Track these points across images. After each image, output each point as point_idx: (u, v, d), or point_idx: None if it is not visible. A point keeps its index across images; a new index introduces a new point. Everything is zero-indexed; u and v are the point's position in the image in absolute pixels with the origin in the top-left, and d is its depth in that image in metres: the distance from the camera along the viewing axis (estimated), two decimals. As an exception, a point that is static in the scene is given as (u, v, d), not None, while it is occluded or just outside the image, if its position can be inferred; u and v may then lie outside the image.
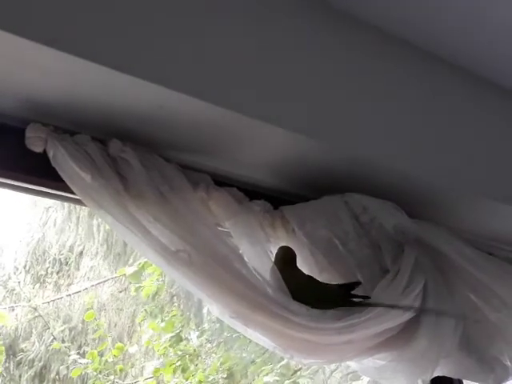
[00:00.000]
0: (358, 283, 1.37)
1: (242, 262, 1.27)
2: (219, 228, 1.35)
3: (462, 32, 1.48)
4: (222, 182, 1.38)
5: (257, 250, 1.33)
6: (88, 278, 5.31)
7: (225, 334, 4.79)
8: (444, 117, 1.57)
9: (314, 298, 1.31)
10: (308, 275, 1.37)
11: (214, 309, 1.29)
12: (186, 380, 4.64)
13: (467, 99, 1.63)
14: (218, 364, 4.72)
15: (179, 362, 4.64)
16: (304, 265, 1.41)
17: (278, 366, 4.64)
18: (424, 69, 1.56)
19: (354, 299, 1.34)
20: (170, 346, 4.68)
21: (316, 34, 1.39)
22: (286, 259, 1.35)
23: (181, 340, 4.74)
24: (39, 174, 1.22)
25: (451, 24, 1.46)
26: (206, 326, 4.99)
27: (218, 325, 4.83)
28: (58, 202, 5.30)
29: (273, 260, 1.35)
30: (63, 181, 1.18)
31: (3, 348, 4.50)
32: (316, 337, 1.31)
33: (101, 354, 4.64)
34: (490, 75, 1.63)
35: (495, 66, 1.59)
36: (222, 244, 1.26)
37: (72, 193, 1.20)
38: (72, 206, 5.32)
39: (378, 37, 1.47)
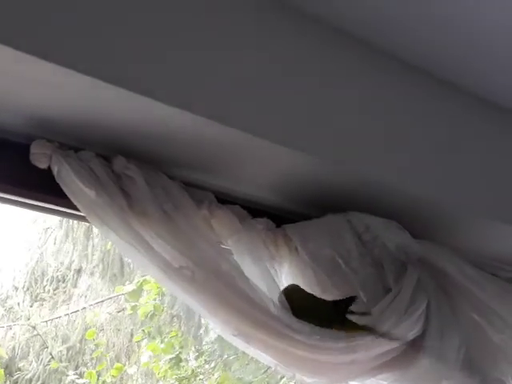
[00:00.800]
0: (353, 298, 1.37)
1: (244, 280, 1.27)
2: (222, 246, 1.35)
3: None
4: (224, 199, 1.38)
5: (259, 268, 1.33)
6: (85, 296, 5.29)
7: (223, 354, 4.76)
8: (445, 136, 1.57)
9: (315, 317, 1.31)
10: (311, 294, 1.37)
11: (215, 326, 1.28)
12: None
13: (468, 118, 1.64)
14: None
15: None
16: (306, 283, 1.40)
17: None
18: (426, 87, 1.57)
19: (352, 316, 1.33)
20: (169, 368, 4.65)
21: (317, 52, 1.40)
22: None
23: (180, 361, 4.71)
24: (43, 190, 1.22)
25: (450, 42, 1.47)
26: (204, 346, 4.96)
27: (216, 345, 4.80)
28: (56, 223, 5.32)
29: (275, 278, 1.35)
30: (67, 197, 1.18)
31: (2, 372, 4.47)
32: (319, 356, 1.30)
33: (99, 374, 4.61)
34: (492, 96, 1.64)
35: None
36: (225, 261, 1.26)
37: (76, 209, 1.20)
38: (69, 227, 5.33)
39: (374, 54, 1.48)
